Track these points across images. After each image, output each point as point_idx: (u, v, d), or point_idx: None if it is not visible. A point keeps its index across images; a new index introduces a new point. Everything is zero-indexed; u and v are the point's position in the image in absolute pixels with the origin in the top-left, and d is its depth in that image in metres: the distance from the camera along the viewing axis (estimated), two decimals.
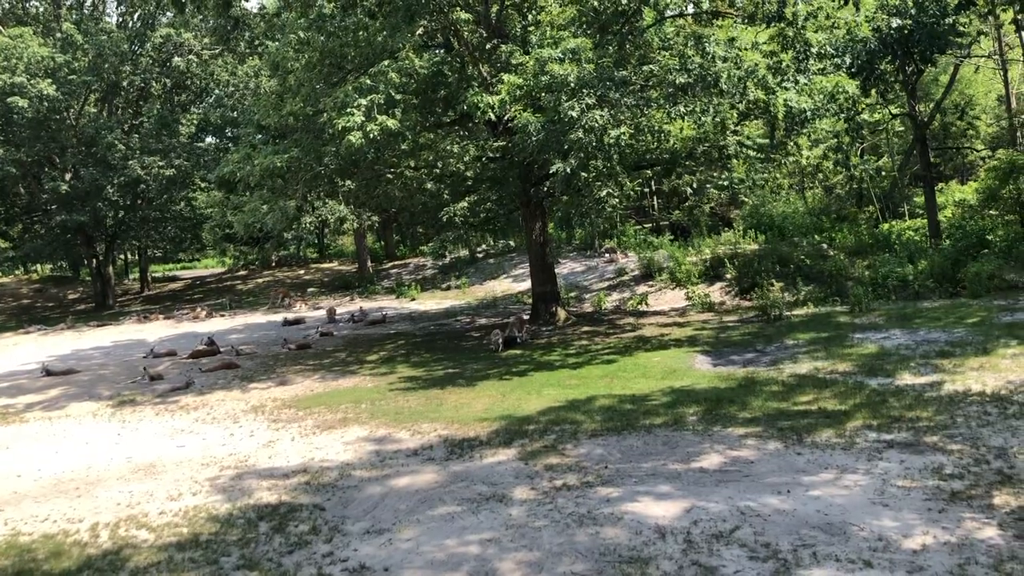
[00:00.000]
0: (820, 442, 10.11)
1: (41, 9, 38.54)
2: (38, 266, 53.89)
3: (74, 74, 35.43)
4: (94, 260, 40.66)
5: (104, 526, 8.99)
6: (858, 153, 26.60)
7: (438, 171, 24.25)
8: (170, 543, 8.31)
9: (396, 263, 42.67)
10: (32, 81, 33.14)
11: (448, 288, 34.19)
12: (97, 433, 13.98)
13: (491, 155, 21.58)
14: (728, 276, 25.35)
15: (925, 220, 26.82)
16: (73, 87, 35.72)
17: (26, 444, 13.51)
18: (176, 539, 8.41)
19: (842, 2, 15.04)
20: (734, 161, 22.12)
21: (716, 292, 24.87)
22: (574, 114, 15.37)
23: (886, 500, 8.02)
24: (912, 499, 8.00)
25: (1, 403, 17.48)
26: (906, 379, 13.11)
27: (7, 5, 37.38)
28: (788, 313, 20.58)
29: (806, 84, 16.31)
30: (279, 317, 29.81)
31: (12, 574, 7.82)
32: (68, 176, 37.15)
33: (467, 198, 24.55)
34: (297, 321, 28.35)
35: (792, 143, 20.67)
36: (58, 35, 36.52)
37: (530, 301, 24.87)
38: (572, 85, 15.49)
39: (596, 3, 17.38)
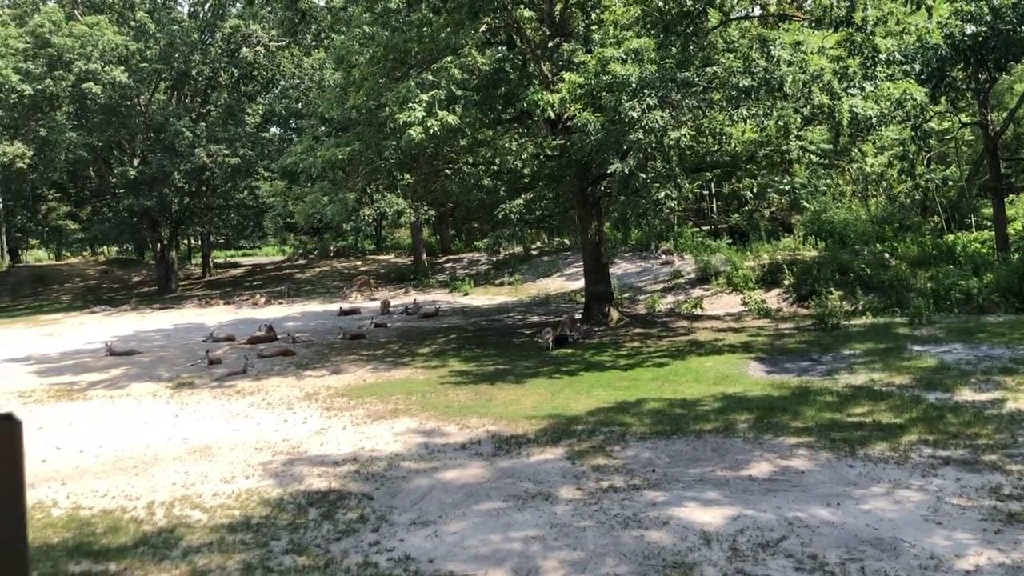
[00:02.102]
0: (873, 455, 9.94)
1: None
2: (105, 248, 55.53)
3: (146, 62, 36.39)
4: (159, 244, 41.71)
5: (160, 504, 9.24)
6: (924, 162, 26.00)
7: (495, 168, 24.35)
8: (222, 524, 8.51)
9: (450, 257, 42.94)
10: (106, 68, 34.11)
11: (501, 284, 34.29)
12: (156, 413, 14.37)
13: (549, 153, 21.60)
14: (786, 282, 25.00)
15: (993, 232, 26.11)
16: (144, 75, 36.71)
17: (89, 421, 13.94)
18: (228, 521, 8.61)
19: (913, 7, 14.71)
20: (796, 166, 21.82)
21: (773, 298, 24.55)
22: (634, 114, 15.30)
23: (940, 518, 7.86)
24: (967, 518, 7.82)
25: (66, 380, 18.05)
26: (966, 395, 12.81)
27: None
28: (846, 322, 20.23)
29: (873, 90, 16.00)
30: (335, 307, 30.24)
31: (72, 547, 8.08)
32: (136, 161, 38.17)
33: (523, 195, 24.60)
34: (352, 311, 28.72)
35: (856, 150, 20.32)
36: (132, 24, 37.48)
37: (583, 300, 24.83)
38: (633, 85, 15.42)
39: (661, 3, 17.26)
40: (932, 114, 21.03)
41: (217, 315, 29.80)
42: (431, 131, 16.84)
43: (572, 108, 16.78)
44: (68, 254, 56.79)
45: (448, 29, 18.59)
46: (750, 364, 16.45)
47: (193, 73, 38.94)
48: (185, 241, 52.93)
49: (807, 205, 30.35)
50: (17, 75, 32.98)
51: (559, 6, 20.74)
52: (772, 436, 11.04)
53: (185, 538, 8.17)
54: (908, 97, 16.41)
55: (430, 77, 18.18)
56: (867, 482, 8.99)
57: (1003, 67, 24.23)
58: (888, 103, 16.25)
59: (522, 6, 20.21)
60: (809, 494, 8.68)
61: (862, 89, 15.88)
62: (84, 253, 55.86)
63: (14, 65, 33.11)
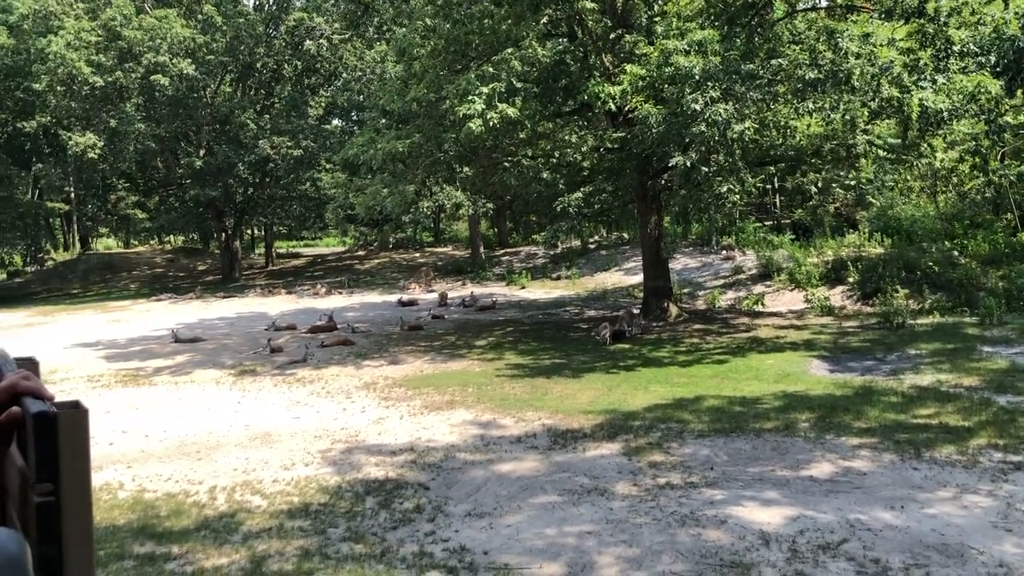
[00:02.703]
0: (940, 458, 9.67)
1: None
2: (171, 237, 56.85)
3: (212, 55, 37.11)
4: (223, 234, 42.55)
5: (221, 489, 9.42)
6: (998, 157, 25.17)
7: (555, 160, 24.26)
8: (281, 510, 8.64)
9: (508, 250, 42.98)
10: (174, 60, 34.86)
11: (558, 278, 34.22)
12: (219, 400, 14.67)
13: (609, 146, 21.43)
14: (850, 280, 24.45)
15: None
16: (211, 67, 37.45)
17: (154, 406, 14.29)
18: (287, 507, 8.74)
19: None
20: (863, 161, 21.30)
21: (837, 296, 24.05)
22: (697, 107, 15.09)
23: (1010, 524, 7.60)
24: None
25: (133, 366, 18.53)
26: None
27: None
28: (912, 321, 19.72)
29: (945, 83, 15.53)
30: (394, 298, 30.51)
31: (137, 528, 8.29)
32: (202, 152, 38.98)
33: (582, 188, 24.45)
34: (411, 303, 28.94)
35: (926, 144, 19.76)
36: (199, 17, 38.24)
37: (641, 295, 24.64)
38: (697, 77, 15.21)
39: None
40: (1008, 108, 20.23)
41: (279, 304, 30.30)
42: (491, 124, 16.83)
43: (633, 100, 16.63)
44: (136, 243, 58.34)
45: (509, 21, 18.55)
46: (812, 362, 16.15)
47: (258, 65, 39.60)
48: (248, 231, 53.92)
49: (873, 201, 29.59)
50: (89, 67, 33.90)
51: None
52: (834, 436, 10.81)
53: (245, 523, 8.31)
54: (982, 90, 15.88)
55: (490, 69, 18.17)
56: (933, 486, 8.74)
57: None
58: (960, 96, 15.74)
59: None
60: (872, 496, 8.48)
61: (933, 82, 15.42)
62: (151, 242, 57.30)
63: (86, 58, 34.02)
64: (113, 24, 34.73)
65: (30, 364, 1.29)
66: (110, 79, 34.61)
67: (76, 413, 1.07)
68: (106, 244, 60.51)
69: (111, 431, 12.41)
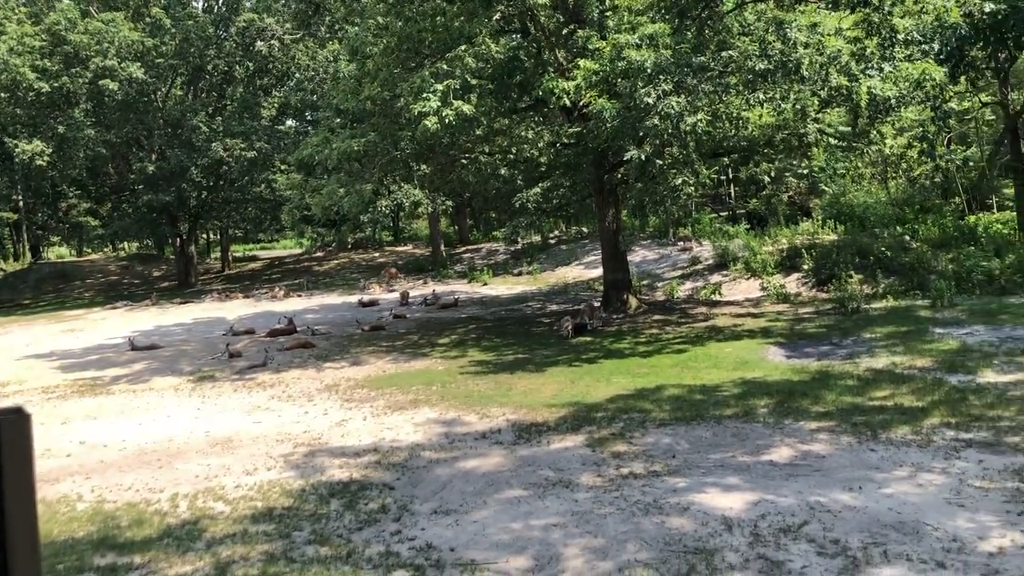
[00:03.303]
0: (895, 439, 9.89)
1: None
2: (125, 244, 55.94)
3: (162, 58, 36.57)
4: (178, 239, 41.98)
5: (183, 497, 9.33)
6: (945, 143, 25.71)
7: (512, 157, 24.31)
8: (245, 516, 8.58)
9: (469, 247, 42.95)
10: (122, 64, 34.29)
11: (520, 273, 34.28)
12: (178, 407, 14.50)
13: (565, 141, 21.53)
14: (805, 267, 24.83)
15: (1015, 212, 25.82)
16: (161, 70, 36.91)
17: (112, 415, 14.08)
18: (251, 512, 8.68)
19: None
20: (814, 149, 21.64)
21: (792, 283, 24.41)
22: (650, 100, 15.22)
23: (962, 500, 7.81)
24: (990, 500, 7.77)
25: (90, 375, 18.23)
26: (988, 377, 12.71)
27: None
28: (866, 306, 20.10)
29: (891, 71, 15.83)
30: (354, 298, 30.33)
31: (97, 540, 8.18)
32: (154, 157, 38.40)
33: (540, 184, 24.55)
34: (372, 303, 28.79)
35: (875, 131, 20.12)
36: (147, 19, 37.65)
37: (601, 288, 24.79)
38: (649, 71, 15.33)
39: None
40: (952, 94, 20.71)
41: (237, 309, 29.97)
42: (446, 121, 16.83)
43: (588, 95, 16.72)
44: (89, 250, 57.27)
45: (462, 18, 18.55)
46: (770, 349, 16.39)
47: (209, 68, 39.09)
48: (204, 236, 53.24)
49: (825, 188, 30.09)
50: (34, 73, 33.23)
51: None
52: (793, 421, 11.00)
53: (208, 530, 8.24)
54: (927, 77, 16.22)
55: (444, 67, 18.15)
56: (889, 466, 8.94)
57: (1023, 45, 23.89)
58: (907, 84, 16.07)
59: None
60: (830, 478, 8.65)
61: (880, 70, 15.71)
62: (105, 249, 56.30)
63: (31, 63, 33.35)
64: (58, 28, 34.07)
65: None
66: (56, 84, 33.97)
67: (18, 419, 1.05)
68: (58, 253, 59.34)
69: (68, 442, 12.22)
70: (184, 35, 36.45)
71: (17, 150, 34.26)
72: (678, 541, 7.22)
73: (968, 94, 27.45)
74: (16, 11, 35.71)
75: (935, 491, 8.10)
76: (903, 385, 12.56)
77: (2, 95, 34.36)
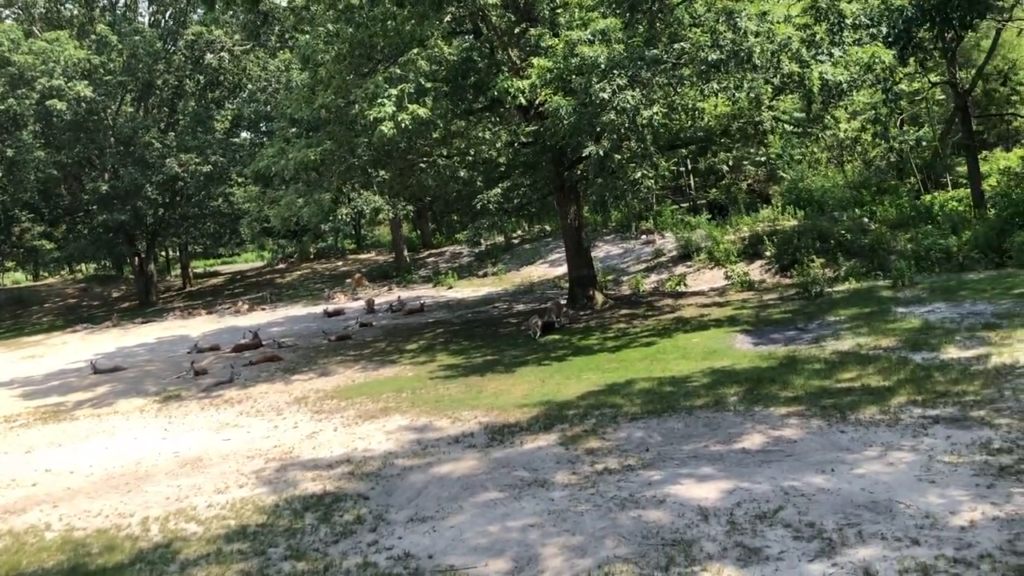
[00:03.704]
0: (864, 419, 9.98)
1: (75, 12, 39.10)
2: (82, 266, 54.97)
3: (110, 75, 35.98)
4: (136, 258, 41.34)
5: (154, 520, 9.16)
6: (897, 124, 26.04)
7: (470, 158, 24.24)
8: (218, 535, 8.45)
9: (432, 252, 42.82)
10: (69, 84, 33.68)
11: (485, 275, 34.23)
12: (145, 429, 14.26)
13: (523, 140, 21.51)
14: (767, 254, 25.06)
15: (969, 190, 26.24)
16: (109, 88, 36.28)
17: (77, 441, 13.81)
18: (224, 531, 8.55)
19: None
20: (770, 137, 21.83)
21: (755, 270, 24.61)
22: (605, 96, 15.25)
23: (932, 476, 7.90)
24: (959, 475, 7.87)
25: (52, 401, 17.88)
26: (951, 353, 12.89)
27: (43, 9, 37.94)
28: (829, 289, 20.32)
29: (841, 56, 16.01)
30: (319, 309, 30.09)
31: (68, 569, 8.01)
32: (108, 176, 37.79)
33: (500, 184, 24.52)
34: (337, 312, 28.60)
35: (829, 116, 20.34)
36: (92, 37, 37.02)
37: (567, 286, 24.82)
38: (603, 66, 15.36)
39: None
40: (902, 76, 20.95)
41: (200, 325, 29.60)
42: (402, 125, 16.73)
43: (543, 93, 16.70)
44: (46, 274, 56.17)
45: (412, 21, 18.43)
46: (737, 337, 16.49)
47: (158, 83, 38.53)
48: (163, 253, 52.50)
49: (784, 175, 30.42)
50: None
51: None
52: (763, 407, 11.07)
53: (182, 552, 8.11)
54: (877, 60, 16.44)
55: (398, 71, 18.06)
56: (859, 447, 9.03)
57: (968, 25, 24.28)
58: (857, 67, 16.27)
59: None
60: (803, 463, 8.71)
61: (830, 55, 15.89)
62: (62, 272, 55.27)
63: None
64: (1, 50, 33.38)
65: None
66: (2, 107, 33.28)
67: None
68: (14, 278, 58.14)
69: (33, 471, 11.96)
70: (131, 51, 35.88)
71: None
72: (656, 534, 7.22)
73: (917, 75, 27.83)
74: None
75: (905, 469, 8.19)
76: (869, 366, 12.70)
77: None
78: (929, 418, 9.73)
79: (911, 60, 25.19)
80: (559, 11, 19.31)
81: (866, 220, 25.76)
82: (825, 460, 8.69)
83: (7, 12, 38.89)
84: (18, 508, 10.14)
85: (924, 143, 29.11)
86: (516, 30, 20.32)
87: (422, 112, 17.00)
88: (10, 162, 34.44)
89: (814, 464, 8.60)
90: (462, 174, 24.59)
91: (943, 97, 33.04)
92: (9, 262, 56.45)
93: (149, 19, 41.04)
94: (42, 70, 33.45)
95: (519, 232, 39.62)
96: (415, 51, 18.53)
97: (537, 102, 17.85)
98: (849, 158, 33.36)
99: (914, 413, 10.00)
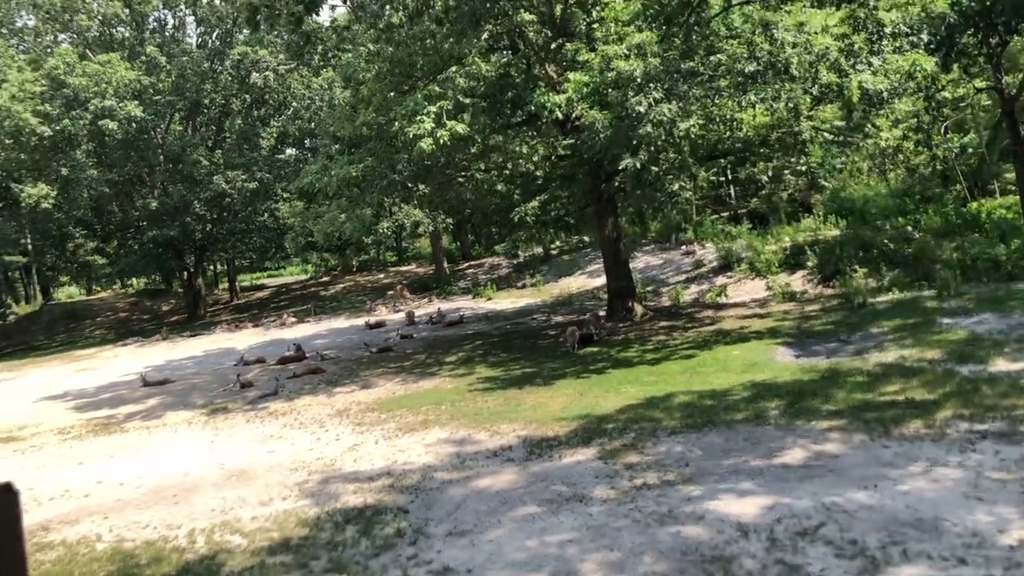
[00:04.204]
0: (908, 434, 9.85)
1: (126, 34, 40.09)
2: (133, 280, 56.13)
3: (159, 95, 36.85)
4: (185, 272, 42.18)
5: (200, 532, 9.35)
6: (941, 131, 25.67)
7: (508, 172, 24.39)
8: (262, 547, 8.60)
9: (472, 263, 43.01)
10: (121, 104, 34.54)
11: (523, 287, 34.30)
12: (192, 441, 14.54)
13: (560, 153, 21.60)
14: (809, 264, 24.80)
15: (1017, 197, 25.73)
16: (159, 107, 37.17)
17: (128, 453, 14.12)
18: (268, 543, 8.70)
19: None
20: (810, 146, 21.64)
21: (797, 281, 24.37)
22: (642, 109, 15.28)
23: (980, 494, 7.76)
24: (1008, 492, 7.73)
25: (104, 414, 18.31)
26: (1000, 365, 12.65)
27: (96, 33, 38.95)
28: (872, 300, 20.05)
29: (881, 64, 15.86)
30: (361, 321, 30.40)
31: None
32: (157, 193, 38.66)
33: (538, 197, 24.62)
34: (379, 324, 28.88)
35: (870, 125, 20.14)
36: (143, 58, 37.93)
37: (606, 297, 24.80)
38: (639, 80, 15.40)
39: None
40: (945, 83, 20.69)
41: (246, 338, 30.07)
42: (441, 141, 16.93)
43: (579, 107, 16.79)
44: (98, 289, 57.46)
45: (451, 39, 18.66)
46: (778, 350, 16.36)
47: (206, 102, 39.36)
48: (211, 267, 53.41)
49: (825, 184, 30.06)
50: (36, 118, 33.50)
51: (559, 7, 20.75)
52: (804, 421, 10.97)
53: (227, 564, 8.26)
54: (918, 68, 16.25)
55: (437, 88, 18.26)
56: (904, 462, 8.90)
57: (1014, 29, 23.84)
58: (898, 76, 16.10)
59: (523, 10, 20.23)
60: (845, 478, 8.62)
61: (870, 64, 15.75)
62: (113, 287, 56.49)
63: (32, 108, 33.62)
64: (57, 73, 34.35)
65: None
66: (58, 128, 34.22)
67: (7, 496, 1.08)
68: (68, 293, 59.51)
69: (86, 482, 12.26)
70: (180, 71, 36.72)
71: (23, 195, 34.53)
72: (695, 550, 7.21)
73: (962, 81, 27.41)
74: (15, 59, 35.98)
75: (952, 485, 8.06)
76: (914, 378, 12.52)
77: (6, 141, 34.63)
78: (977, 433, 9.56)
79: (955, 67, 24.82)
80: (595, 26, 19.39)
81: (910, 229, 25.39)
82: (868, 476, 8.59)
83: (63, 36, 39.96)
84: (71, 519, 10.41)
85: (970, 150, 28.61)
86: (552, 45, 20.46)
87: (460, 128, 17.19)
88: (65, 180, 35.41)
89: (857, 480, 8.51)
90: (500, 187, 24.76)
91: (989, 103, 32.47)
92: (64, 277, 57.87)
93: (197, 40, 41.91)
94: (95, 91, 34.36)
95: (557, 243, 39.64)
96: (453, 68, 18.73)
97: (574, 116, 17.94)
98: (892, 166, 32.90)
99: (961, 428, 9.84)
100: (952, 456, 8.90)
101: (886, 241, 23.69)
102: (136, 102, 35.33)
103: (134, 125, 35.72)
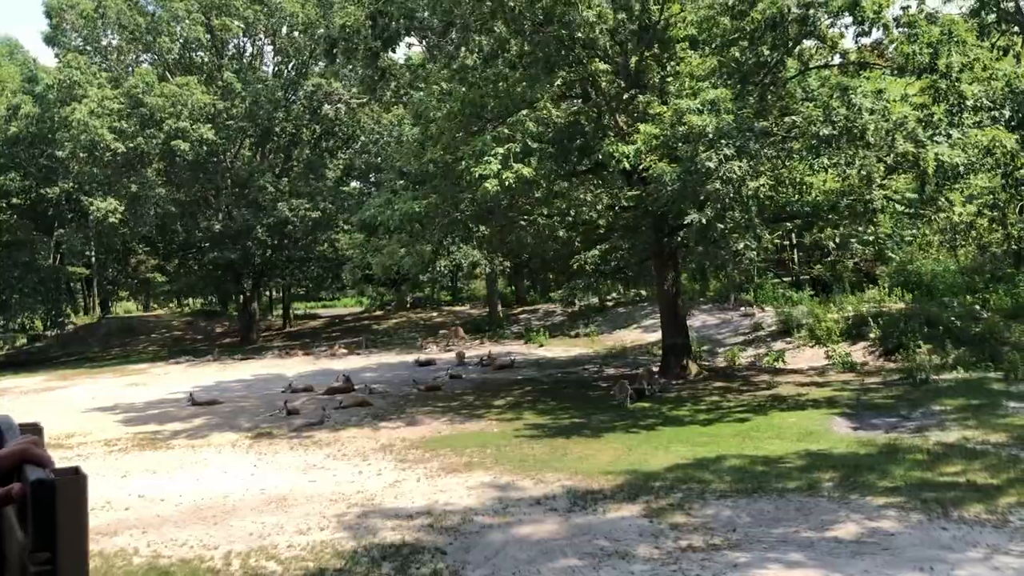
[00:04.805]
0: (968, 517, 9.42)
1: (205, 59, 41.33)
2: (190, 300, 57.26)
3: (232, 120, 37.81)
4: (241, 296, 42.83)
5: (236, 555, 9.29)
6: (1017, 210, 25.05)
7: (570, 219, 24.37)
8: None
9: (526, 308, 42.95)
10: (194, 126, 35.48)
11: (577, 335, 34.08)
12: (235, 463, 14.57)
13: (624, 204, 21.53)
14: (871, 335, 24.20)
15: None
16: (230, 132, 38.11)
17: (171, 470, 14.20)
18: (302, 573, 8.60)
19: (1001, 53, 14.32)
20: (880, 216, 21.26)
21: (858, 352, 23.78)
22: (711, 164, 15.16)
23: None
24: None
25: (150, 429, 18.49)
26: None
27: (176, 56, 40.24)
28: (936, 377, 19.45)
29: (960, 137, 15.55)
30: (411, 358, 30.44)
31: None
32: (221, 216, 39.47)
33: (598, 246, 24.54)
34: (428, 363, 28.87)
35: (943, 198, 19.72)
36: (219, 83, 39.04)
37: (660, 352, 24.47)
38: (710, 135, 15.31)
39: (737, 54, 17.19)
40: None
41: (296, 366, 30.29)
42: (506, 183, 16.98)
43: (648, 159, 16.73)
44: (155, 306, 58.79)
45: (524, 83, 18.83)
46: (835, 420, 15.91)
47: (277, 130, 40.25)
48: (267, 293, 54.27)
49: (892, 256, 29.49)
50: (111, 134, 34.56)
51: (634, 59, 20.83)
52: (859, 496, 10.58)
53: None
54: (997, 144, 15.90)
55: (506, 131, 18.39)
56: (962, 546, 8.50)
57: None
58: (976, 150, 15.77)
59: (597, 60, 20.35)
60: (899, 558, 8.25)
61: (948, 136, 15.45)
62: (170, 305, 57.73)
63: (109, 125, 34.71)
64: (136, 92, 35.48)
65: (34, 430, 1.25)
66: (132, 145, 35.23)
67: (75, 480, 1.05)
68: (126, 308, 60.93)
69: (127, 495, 12.33)
70: (254, 98, 37.66)
71: (92, 208, 35.53)
72: None
73: None
74: (97, 76, 37.27)
75: (1013, 575, 7.66)
76: (976, 461, 12.04)
77: (81, 155, 35.76)
78: None
79: None
80: (669, 80, 19.41)
81: (978, 308, 24.68)
82: (924, 557, 8.21)
83: (144, 57, 41.36)
84: (110, 530, 10.44)
85: None
86: (624, 96, 20.50)
87: (526, 171, 17.23)
88: (133, 197, 36.36)
89: (911, 560, 8.14)
90: (561, 234, 24.73)
91: None
92: (123, 292, 59.33)
93: (273, 69, 43.03)
94: (171, 112, 35.36)
95: (614, 295, 39.39)
96: (524, 112, 18.87)
97: (641, 167, 17.89)
98: (963, 242, 32.15)
99: None
100: (1014, 544, 8.48)
101: (953, 318, 23.04)
102: (209, 125, 36.27)
103: (205, 148, 36.62)
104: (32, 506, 1.03)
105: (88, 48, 39.97)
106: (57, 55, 39.56)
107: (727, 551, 8.69)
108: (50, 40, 40.33)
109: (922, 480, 11.16)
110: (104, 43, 40.27)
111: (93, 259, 49.48)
